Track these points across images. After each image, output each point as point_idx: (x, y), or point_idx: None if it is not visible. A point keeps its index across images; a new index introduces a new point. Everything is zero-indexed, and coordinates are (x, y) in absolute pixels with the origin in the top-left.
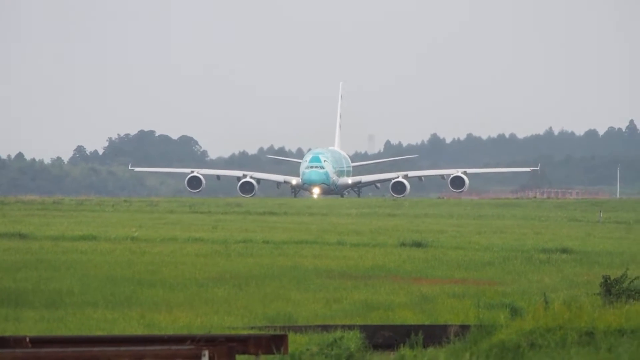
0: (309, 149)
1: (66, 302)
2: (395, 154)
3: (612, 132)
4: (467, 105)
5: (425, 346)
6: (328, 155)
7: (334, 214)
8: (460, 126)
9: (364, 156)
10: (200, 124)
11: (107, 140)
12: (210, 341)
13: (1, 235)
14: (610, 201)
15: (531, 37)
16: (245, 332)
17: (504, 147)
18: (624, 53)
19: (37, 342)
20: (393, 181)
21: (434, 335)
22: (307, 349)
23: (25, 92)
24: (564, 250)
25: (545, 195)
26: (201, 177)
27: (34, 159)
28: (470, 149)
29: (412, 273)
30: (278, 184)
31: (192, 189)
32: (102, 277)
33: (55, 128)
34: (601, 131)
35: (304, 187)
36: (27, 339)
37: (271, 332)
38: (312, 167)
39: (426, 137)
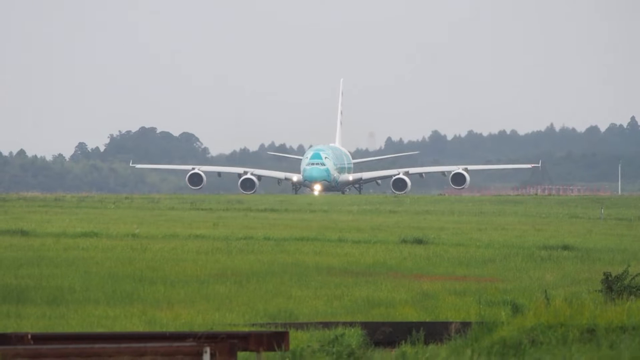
0: (310, 146)
1: (68, 299)
2: (397, 151)
3: (613, 129)
4: (468, 101)
5: (426, 343)
6: (329, 152)
7: (335, 211)
8: (461, 123)
9: (365, 153)
10: (201, 121)
11: (108, 137)
12: (211, 338)
13: (3, 232)
14: (611, 198)
15: (533, 33)
16: (246, 329)
17: (505, 144)
18: (626, 49)
19: (39, 339)
20: (394, 178)
21: (435, 332)
22: (308, 346)
23: (26, 89)
24: (565, 247)
25: (546, 192)
26: (202, 174)
27: (35, 156)
28: (471, 145)
29: (413, 270)
30: (279, 180)
31: (193, 185)
32: (103, 274)
33: (57, 125)
34: (602, 128)
35: (305, 184)
36: (29, 336)
37: (272, 329)
38: (313, 163)
39: (427, 134)
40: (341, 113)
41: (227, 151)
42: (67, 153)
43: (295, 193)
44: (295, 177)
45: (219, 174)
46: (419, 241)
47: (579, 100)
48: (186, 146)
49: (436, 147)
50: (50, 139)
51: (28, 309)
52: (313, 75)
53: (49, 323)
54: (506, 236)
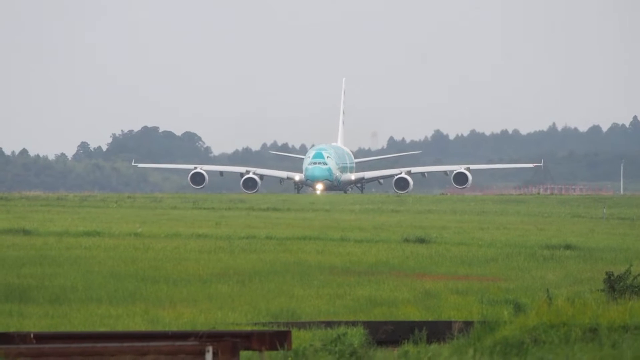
0: (312, 145)
1: (70, 298)
2: (399, 150)
3: (615, 128)
4: (471, 101)
5: (428, 342)
6: (331, 151)
7: (337, 210)
8: (463, 122)
9: (367, 152)
10: (203, 120)
11: (110, 137)
12: (214, 337)
13: (5, 231)
14: (613, 197)
15: (535, 33)
16: (248, 328)
17: (507, 143)
18: (628, 49)
19: (41, 338)
20: (396, 177)
21: (437, 331)
22: (311, 345)
23: (29, 88)
24: (568, 247)
25: (548, 192)
26: (204, 173)
27: (38, 155)
28: (474, 145)
29: (415, 269)
30: (281, 180)
31: (195, 185)
32: (105, 273)
33: (59, 124)
34: (605, 127)
35: (307, 183)
36: (32, 335)
37: (275, 328)
38: (315, 163)
39: (429, 133)
40: (343, 112)
41: (230, 150)
42: (70, 152)
43: (298, 192)
44: (297, 177)
45: (221, 173)
46: (421, 240)
47: (581, 99)
48: (188, 145)
49: (438, 146)
50: (53, 138)
51: (30, 308)
52: (315, 75)
53: (51, 322)
54: (508, 235)
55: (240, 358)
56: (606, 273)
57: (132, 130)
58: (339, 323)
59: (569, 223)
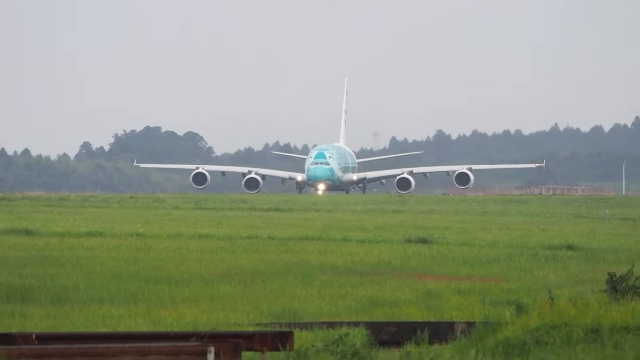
0: (314, 145)
1: (72, 299)
2: (401, 150)
3: (617, 129)
4: (473, 101)
5: (430, 343)
6: (333, 151)
7: (339, 210)
8: (465, 122)
9: (370, 152)
10: (206, 120)
11: (113, 137)
12: (215, 338)
13: (7, 232)
14: (615, 197)
15: (537, 32)
16: (250, 329)
17: (509, 144)
18: (630, 49)
19: (43, 338)
20: (398, 177)
21: (439, 331)
22: (313, 346)
23: (30, 88)
24: (570, 247)
25: (550, 192)
26: (206, 173)
27: (40, 155)
28: (476, 145)
29: (417, 269)
30: (283, 180)
31: (197, 185)
32: (107, 274)
33: (62, 124)
34: (607, 127)
35: (309, 184)
36: (33, 336)
37: (277, 329)
38: (317, 163)
39: (432, 134)
40: (345, 112)
41: (232, 150)
42: (72, 152)
43: (300, 192)
44: (299, 177)
45: (223, 173)
46: (423, 241)
47: (583, 100)
48: (191, 145)
49: (440, 146)
50: (55, 139)
51: (32, 309)
52: (318, 75)
53: (53, 323)
54: (510, 236)
55: (242, 359)
56: (608, 274)
57: (135, 131)
58: (341, 323)
59: (571, 223)
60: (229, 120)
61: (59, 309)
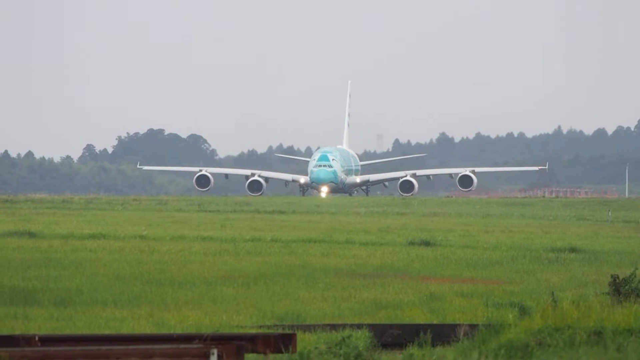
0: (318, 148)
1: (75, 301)
2: (404, 153)
3: (620, 131)
4: (476, 104)
5: (433, 345)
6: (336, 154)
7: (343, 213)
8: (468, 125)
9: (373, 155)
10: (209, 122)
11: (116, 139)
12: (218, 340)
13: (10, 234)
14: (619, 200)
15: (540, 35)
16: (253, 331)
17: (512, 146)
18: (633, 51)
19: (47, 340)
20: (401, 180)
21: (442, 334)
22: (316, 348)
23: (34, 91)
24: (573, 250)
25: (553, 194)
26: (209, 175)
27: (43, 158)
28: (479, 147)
29: (420, 272)
30: (286, 182)
31: (200, 187)
32: (111, 276)
33: (65, 127)
34: (610, 130)
35: (312, 186)
36: (37, 338)
37: (280, 331)
38: (320, 165)
39: (435, 136)
40: (349, 115)
41: (235, 153)
42: (75, 155)
43: (303, 195)
44: (302, 179)
45: (227, 175)
46: (426, 243)
47: (587, 102)
48: (194, 148)
49: (444, 149)
50: (58, 141)
51: (35, 311)
52: (321, 78)
53: (56, 325)
54: (513, 238)
55: None
56: (611, 276)
57: (138, 133)
58: (344, 326)
59: (574, 226)
60: (232, 122)
61: (62, 311)
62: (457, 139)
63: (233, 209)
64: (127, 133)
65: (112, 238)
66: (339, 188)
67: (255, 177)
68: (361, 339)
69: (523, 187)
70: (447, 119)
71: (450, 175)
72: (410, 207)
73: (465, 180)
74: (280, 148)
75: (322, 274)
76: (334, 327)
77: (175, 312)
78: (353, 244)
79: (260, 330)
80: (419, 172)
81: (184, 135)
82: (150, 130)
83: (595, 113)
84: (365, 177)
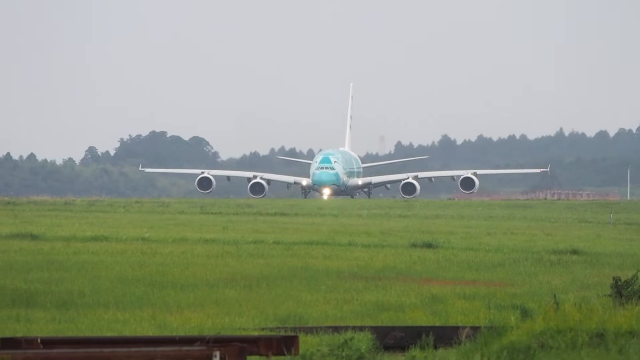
0: (320, 150)
1: (77, 303)
2: (406, 155)
3: (622, 134)
4: (478, 106)
5: (435, 347)
6: (338, 156)
7: (345, 215)
8: (470, 127)
9: (375, 157)
10: (211, 125)
11: (118, 141)
12: (221, 342)
13: (13, 236)
14: (620, 202)
15: (542, 37)
16: (256, 333)
17: (514, 149)
18: (635, 54)
19: (49, 342)
20: (403, 182)
21: (444, 336)
22: (318, 350)
23: (36, 92)
24: (575, 252)
25: (555, 197)
26: (212, 178)
27: (45, 160)
28: (481, 150)
29: (422, 274)
30: (288, 184)
31: (202, 189)
32: (113, 278)
33: (67, 129)
34: (612, 132)
35: (314, 188)
36: (39, 340)
37: (282, 333)
38: (322, 168)
39: (437, 138)
40: (351, 117)
41: (237, 155)
42: (77, 157)
43: (305, 197)
44: (304, 181)
45: (229, 178)
46: (428, 245)
47: (588, 105)
48: (196, 150)
49: (446, 151)
50: (61, 143)
51: (37, 313)
52: (323, 80)
53: (58, 327)
54: (515, 240)
55: None
56: (613, 278)
57: (140, 135)
58: (346, 328)
59: (576, 228)
60: (234, 124)
61: (64, 314)
62: (459, 141)
63: (235, 211)
64: (129, 135)
65: (114, 240)
66: (341, 190)
67: (257, 180)
68: (363, 341)
69: (525, 189)
70: (449, 121)
71: (452, 177)
72: (412, 210)
73: (467, 183)
74: (282, 150)
75: (324, 276)
76: (336, 329)
77: (178, 315)
78: (355, 246)
79: (262, 333)
80: (421, 175)
81: (186, 137)
82: (153, 133)
83: (597, 115)
84: (368, 179)
